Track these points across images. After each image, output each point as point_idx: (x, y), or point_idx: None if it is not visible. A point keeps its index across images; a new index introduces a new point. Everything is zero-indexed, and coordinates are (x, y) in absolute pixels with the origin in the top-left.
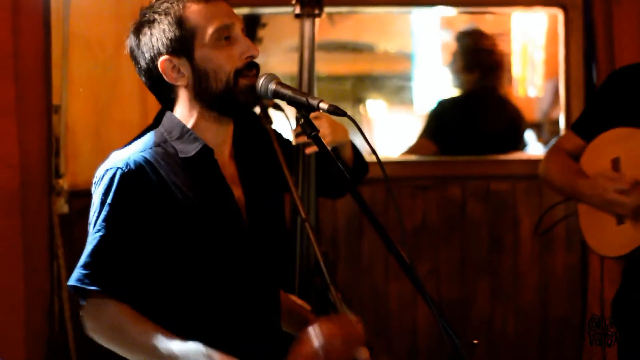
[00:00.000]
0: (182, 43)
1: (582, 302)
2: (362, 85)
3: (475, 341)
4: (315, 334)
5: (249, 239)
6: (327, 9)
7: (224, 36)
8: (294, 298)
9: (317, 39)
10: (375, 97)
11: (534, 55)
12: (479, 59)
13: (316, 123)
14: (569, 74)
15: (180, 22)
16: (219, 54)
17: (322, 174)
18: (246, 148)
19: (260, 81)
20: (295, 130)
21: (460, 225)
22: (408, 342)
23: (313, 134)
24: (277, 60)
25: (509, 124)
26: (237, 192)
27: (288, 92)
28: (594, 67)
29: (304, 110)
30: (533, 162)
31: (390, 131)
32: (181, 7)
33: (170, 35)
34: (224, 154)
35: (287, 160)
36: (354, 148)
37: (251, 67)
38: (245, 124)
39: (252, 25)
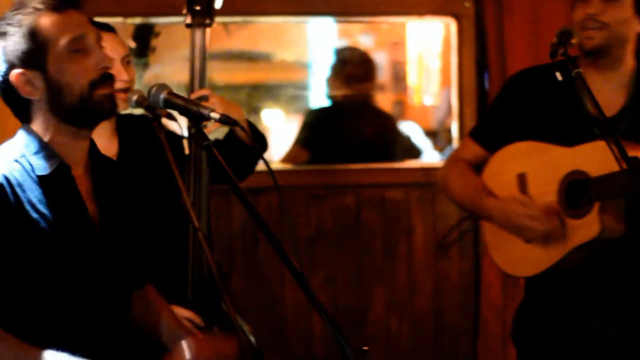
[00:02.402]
0: (35, 56)
1: (474, 309)
2: (258, 94)
3: (365, 347)
4: (186, 348)
5: (102, 256)
6: (220, 19)
7: (77, 48)
8: (180, 311)
9: (213, 48)
10: (272, 106)
11: (430, 64)
12: (353, 71)
13: (209, 102)
14: (462, 83)
15: (32, 34)
16: (72, 66)
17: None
18: (104, 161)
19: (152, 91)
20: (187, 139)
21: (355, 233)
22: (304, 349)
23: (205, 143)
24: (171, 69)
25: (379, 133)
26: (92, 207)
27: (179, 102)
28: (486, 76)
29: (196, 120)
30: (427, 170)
31: (287, 140)
32: (34, 18)
33: (22, 47)
34: (80, 169)
35: (181, 168)
36: (251, 127)
37: (106, 79)
38: (138, 134)
39: (145, 35)
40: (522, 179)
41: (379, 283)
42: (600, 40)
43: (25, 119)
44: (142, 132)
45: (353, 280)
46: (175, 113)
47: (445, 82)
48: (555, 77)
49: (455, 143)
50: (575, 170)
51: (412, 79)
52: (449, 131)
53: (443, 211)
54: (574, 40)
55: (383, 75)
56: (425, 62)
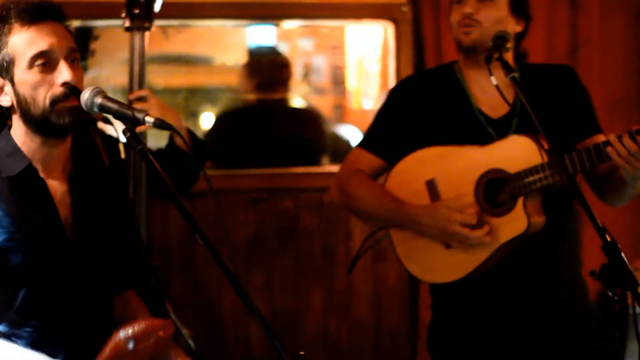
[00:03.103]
0: (5, 67)
1: (412, 311)
2: (197, 98)
3: (302, 352)
4: (124, 333)
5: (72, 258)
6: (159, 22)
7: (41, 62)
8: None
9: (152, 52)
10: (211, 110)
11: (369, 67)
12: (268, 74)
13: (146, 105)
14: None
15: (3, 46)
16: (35, 80)
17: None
18: (85, 165)
19: (86, 95)
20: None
21: (294, 237)
22: (242, 352)
23: (139, 147)
24: (110, 73)
25: (299, 136)
26: (65, 210)
27: (114, 106)
28: None
29: (130, 124)
30: None
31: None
32: (7, 29)
33: None
34: (54, 173)
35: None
36: (191, 135)
37: (67, 94)
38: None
39: (85, 38)
40: (431, 186)
41: (317, 287)
42: (476, 36)
43: (5, 123)
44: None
45: (291, 284)
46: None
47: (384, 86)
48: (441, 81)
49: None
50: (492, 169)
51: (351, 83)
52: None
53: None
54: (508, 45)
55: (322, 79)
56: (365, 66)
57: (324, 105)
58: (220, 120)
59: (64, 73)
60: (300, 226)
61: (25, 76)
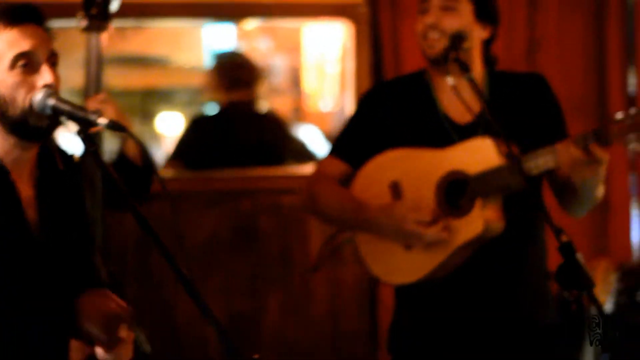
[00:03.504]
0: None
1: (371, 314)
2: (155, 99)
3: (256, 355)
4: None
5: (39, 260)
6: (116, 23)
7: (22, 63)
8: None
9: (109, 53)
10: (168, 111)
11: (328, 69)
12: (235, 77)
13: (102, 107)
14: (358, 88)
15: None
16: (16, 81)
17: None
18: (49, 171)
19: (38, 97)
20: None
21: (252, 239)
22: (199, 355)
23: (92, 149)
24: (67, 74)
25: (265, 139)
26: (32, 214)
27: (67, 108)
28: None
29: (83, 126)
30: None
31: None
32: None
33: None
34: (23, 176)
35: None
36: (140, 146)
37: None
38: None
39: None
40: (395, 187)
41: (274, 289)
42: (439, 49)
43: None
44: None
45: (248, 286)
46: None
47: (343, 87)
48: (411, 88)
49: None
50: (453, 171)
51: (309, 84)
52: None
53: None
54: (466, 45)
55: (281, 80)
56: (323, 67)
57: (282, 107)
58: (191, 123)
59: (45, 75)
60: (257, 228)
61: (5, 76)
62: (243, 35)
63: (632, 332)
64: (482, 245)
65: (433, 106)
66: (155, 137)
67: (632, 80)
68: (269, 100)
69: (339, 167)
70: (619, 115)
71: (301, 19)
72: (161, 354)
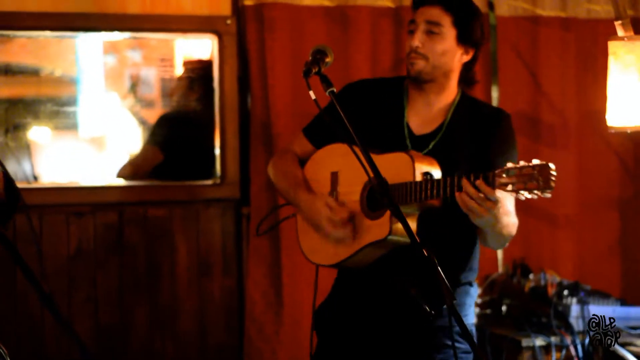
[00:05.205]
0: None
1: (238, 326)
2: (23, 110)
3: None
4: None
5: None
6: None
7: None
8: None
9: None
10: (37, 122)
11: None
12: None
13: None
14: (224, 99)
15: None
16: None
17: None
18: None
19: None
20: None
21: (118, 251)
22: None
23: None
24: None
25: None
26: None
27: None
28: (249, 93)
29: None
30: (190, 188)
31: (54, 157)
32: None
33: None
34: None
35: None
36: (6, 179)
37: None
38: None
39: None
40: (334, 177)
41: (142, 302)
42: (421, 67)
43: None
44: None
45: (115, 299)
46: None
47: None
48: (388, 91)
49: (218, 161)
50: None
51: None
52: None
53: (206, 229)
54: (328, 59)
55: (152, 91)
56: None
57: (153, 119)
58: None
59: None
60: (123, 240)
61: None
62: (113, 46)
63: (495, 342)
64: (396, 247)
65: (400, 112)
66: (26, 147)
67: (494, 95)
68: (139, 112)
69: (305, 146)
70: (509, 164)
71: (169, 34)
72: None
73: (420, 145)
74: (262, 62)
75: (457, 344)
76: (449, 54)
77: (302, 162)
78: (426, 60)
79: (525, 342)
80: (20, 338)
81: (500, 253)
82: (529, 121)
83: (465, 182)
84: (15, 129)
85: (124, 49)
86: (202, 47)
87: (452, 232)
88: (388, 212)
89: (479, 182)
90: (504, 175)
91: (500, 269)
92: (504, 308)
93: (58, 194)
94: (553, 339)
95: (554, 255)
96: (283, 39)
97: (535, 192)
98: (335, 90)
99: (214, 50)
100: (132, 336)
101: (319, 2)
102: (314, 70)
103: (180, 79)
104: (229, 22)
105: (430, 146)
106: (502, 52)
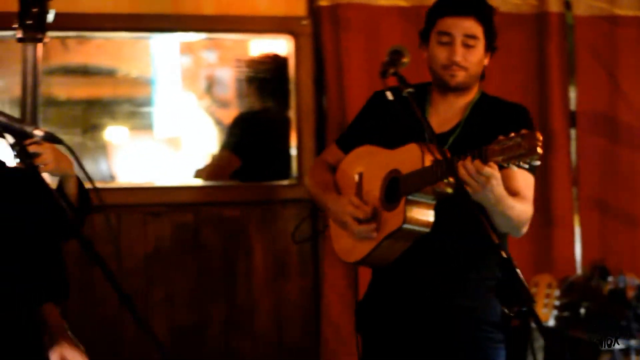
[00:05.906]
0: None
1: (315, 327)
2: (100, 110)
3: None
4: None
5: None
6: (55, 34)
7: None
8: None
9: (53, 63)
10: (114, 123)
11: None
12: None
13: (38, 149)
14: (300, 100)
15: None
16: None
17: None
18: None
19: None
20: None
21: (194, 251)
22: None
23: (29, 161)
24: (4, 84)
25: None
26: None
27: (2, 119)
28: (324, 94)
29: (20, 138)
30: (266, 188)
31: (130, 157)
32: None
33: None
34: None
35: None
36: (80, 185)
37: None
38: None
39: None
40: (360, 177)
41: (218, 302)
42: (462, 79)
43: None
44: None
45: (192, 299)
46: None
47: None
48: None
49: (294, 161)
50: (394, 169)
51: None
52: None
53: (282, 229)
54: (404, 60)
55: (227, 92)
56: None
57: (228, 119)
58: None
59: None
60: (199, 240)
61: None
62: (188, 46)
63: (574, 346)
64: (420, 239)
65: (422, 112)
66: (104, 148)
67: (572, 96)
68: (215, 113)
69: (337, 154)
70: (501, 137)
71: (244, 34)
72: None
73: (440, 142)
74: (337, 63)
75: (491, 335)
76: (482, 62)
77: (334, 169)
78: (466, 71)
79: (604, 346)
80: (98, 340)
81: (578, 254)
82: (607, 121)
83: (462, 159)
84: (93, 129)
85: (199, 50)
86: (277, 47)
87: (468, 221)
88: (403, 201)
89: (470, 158)
90: (496, 147)
91: (579, 271)
92: (582, 311)
93: (134, 194)
94: (632, 342)
95: (634, 257)
96: (358, 39)
97: (526, 160)
98: (412, 91)
99: (290, 51)
100: (208, 336)
101: (394, 2)
102: (391, 71)
103: (255, 79)
104: (304, 22)
105: (450, 142)
106: (579, 52)
